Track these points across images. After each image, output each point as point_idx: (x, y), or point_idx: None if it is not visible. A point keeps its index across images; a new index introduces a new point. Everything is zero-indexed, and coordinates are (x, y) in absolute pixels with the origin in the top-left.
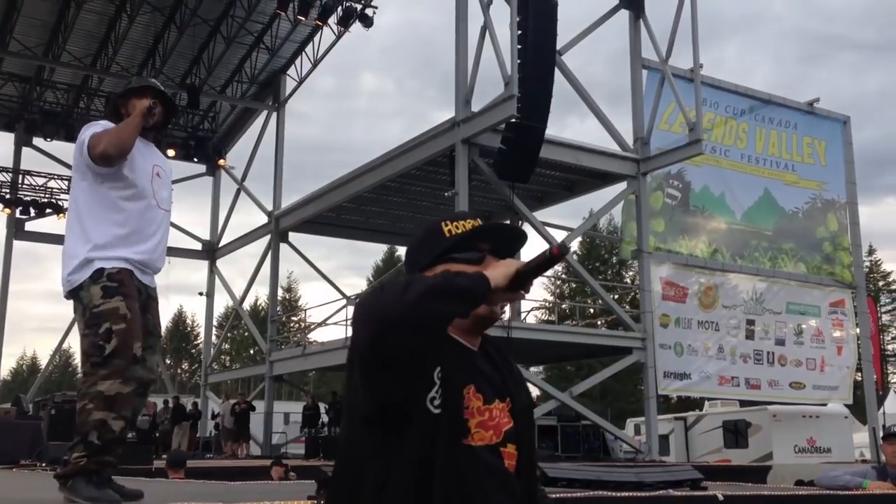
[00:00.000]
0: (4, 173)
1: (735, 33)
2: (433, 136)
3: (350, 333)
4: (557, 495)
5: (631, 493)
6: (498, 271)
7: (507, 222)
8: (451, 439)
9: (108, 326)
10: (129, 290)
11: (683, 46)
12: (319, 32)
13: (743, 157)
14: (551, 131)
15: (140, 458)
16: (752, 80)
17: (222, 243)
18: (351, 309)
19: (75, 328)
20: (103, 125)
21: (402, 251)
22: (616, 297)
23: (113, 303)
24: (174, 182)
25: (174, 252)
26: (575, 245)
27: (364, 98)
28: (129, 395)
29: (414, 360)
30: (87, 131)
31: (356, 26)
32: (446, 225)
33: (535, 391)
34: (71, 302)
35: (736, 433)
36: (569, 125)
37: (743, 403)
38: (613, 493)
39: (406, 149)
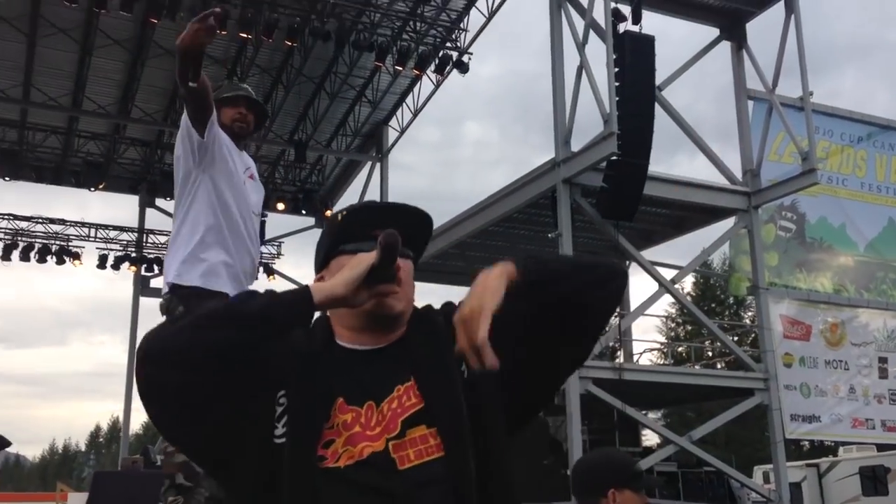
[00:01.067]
0: (130, 233)
1: (848, 61)
2: (534, 178)
3: None
4: None
5: None
6: (338, 277)
7: (403, 203)
8: (297, 467)
9: None
10: None
11: (791, 76)
12: (419, 83)
13: (863, 186)
14: (659, 169)
15: None
16: (871, 107)
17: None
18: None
19: None
20: None
21: None
22: (735, 337)
23: None
24: (284, 236)
25: None
26: (688, 286)
27: (468, 147)
28: None
29: (200, 399)
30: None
31: (456, 76)
32: (341, 213)
33: (653, 437)
34: None
35: (875, 480)
36: (677, 164)
37: (880, 448)
38: None
39: (507, 192)
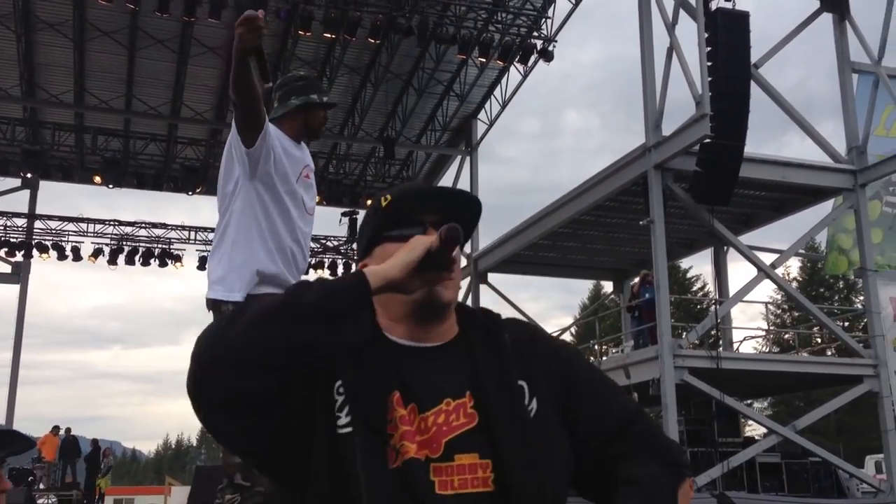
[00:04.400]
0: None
1: None
2: (624, 165)
3: None
4: None
5: None
6: (394, 260)
7: (452, 187)
8: (373, 459)
9: None
10: None
11: None
12: (507, 74)
13: None
14: (769, 150)
15: None
16: None
17: None
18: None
19: None
20: None
21: (607, 287)
22: (846, 322)
23: None
24: None
25: None
26: (794, 270)
27: (569, 137)
28: None
29: (259, 400)
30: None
31: (554, 65)
32: (386, 198)
33: (758, 428)
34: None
35: None
36: (786, 144)
37: None
38: None
39: (598, 180)
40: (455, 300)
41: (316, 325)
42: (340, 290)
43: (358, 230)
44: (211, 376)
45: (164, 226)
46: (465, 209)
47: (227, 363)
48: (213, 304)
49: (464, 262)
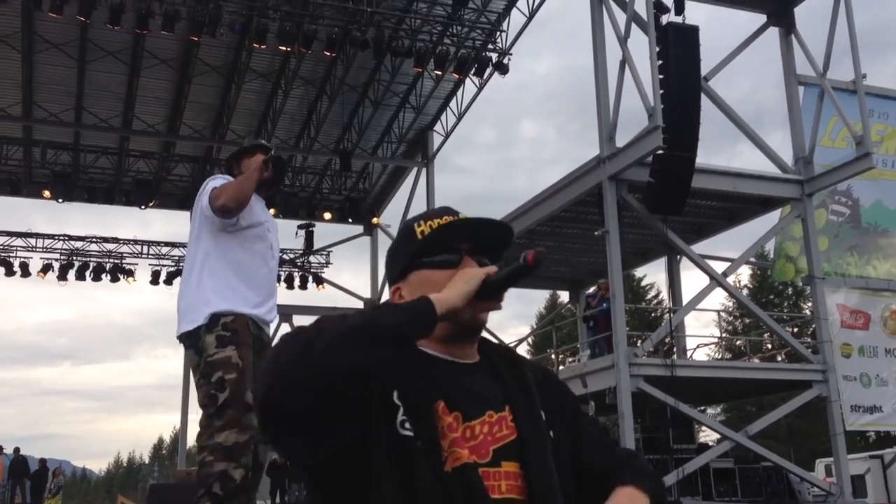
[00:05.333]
0: (181, 248)
1: None
2: (579, 176)
3: None
4: None
5: None
6: (454, 290)
7: (486, 217)
8: (434, 461)
9: (220, 375)
10: (243, 339)
11: (845, 60)
12: (462, 87)
13: None
14: (721, 160)
15: None
16: None
17: (383, 299)
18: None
19: None
20: (223, 178)
21: (563, 297)
22: (795, 329)
23: (226, 352)
24: (332, 245)
25: (338, 312)
26: (744, 278)
27: (525, 146)
28: (247, 443)
29: (329, 417)
30: (209, 184)
31: (510, 76)
32: (419, 225)
33: (711, 434)
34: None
35: None
36: (738, 153)
37: None
38: None
39: (553, 191)
40: None
41: (392, 348)
42: (414, 318)
43: (387, 255)
44: (289, 397)
45: (115, 240)
46: (497, 236)
47: (309, 385)
48: (184, 336)
49: None
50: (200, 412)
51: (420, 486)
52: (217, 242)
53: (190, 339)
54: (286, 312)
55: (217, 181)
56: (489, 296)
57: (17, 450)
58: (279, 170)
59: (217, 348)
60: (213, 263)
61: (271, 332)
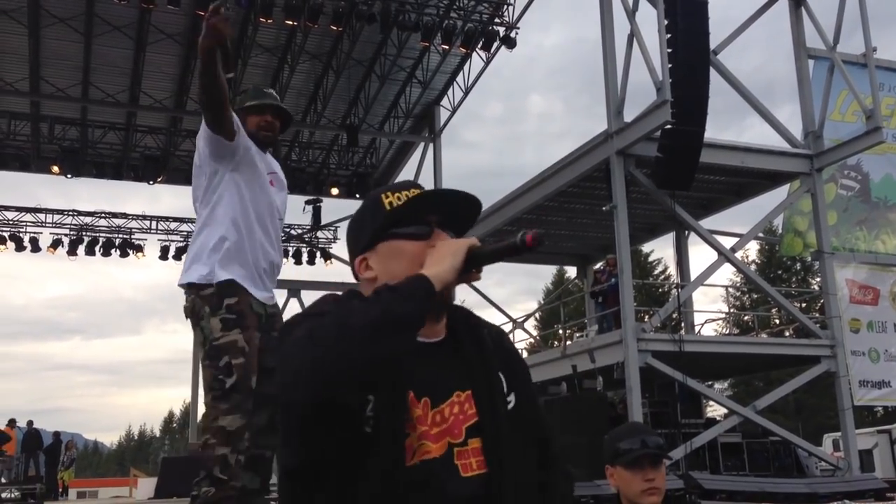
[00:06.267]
0: (190, 223)
1: None
2: (587, 151)
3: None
4: None
5: None
6: (444, 264)
7: (456, 189)
8: (391, 463)
9: (227, 360)
10: (248, 322)
11: (857, 32)
12: (468, 61)
13: None
14: (730, 134)
15: None
16: None
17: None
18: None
19: None
20: None
21: (571, 272)
22: (803, 304)
23: (232, 335)
24: (339, 220)
25: (346, 287)
26: (752, 253)
27: (533, 120)
28: (244, 428)
29: (356, 406)
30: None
31: (518, 49)
32: (387, 196)
33: (718, 409)
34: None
35: None
36: (748, 127)
37: None
38: None
39: (561, 166)
40: None
41: (411, 334)
42: (424, 298)
43: (349, 226)
44: (338, 391)
45: (124, 215)
46: (466, 209)
47: (349, 384)
48: (186, 287)
49: None
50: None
51: (374, 483)
52: (221, 188)
53: (190, 290)
54: (294, 288)
55: None
56: (471, 268)
57: (30, 423)
58: (284, 123)
59: (222, 332)
60: (216, 213)
61: (280, 305)
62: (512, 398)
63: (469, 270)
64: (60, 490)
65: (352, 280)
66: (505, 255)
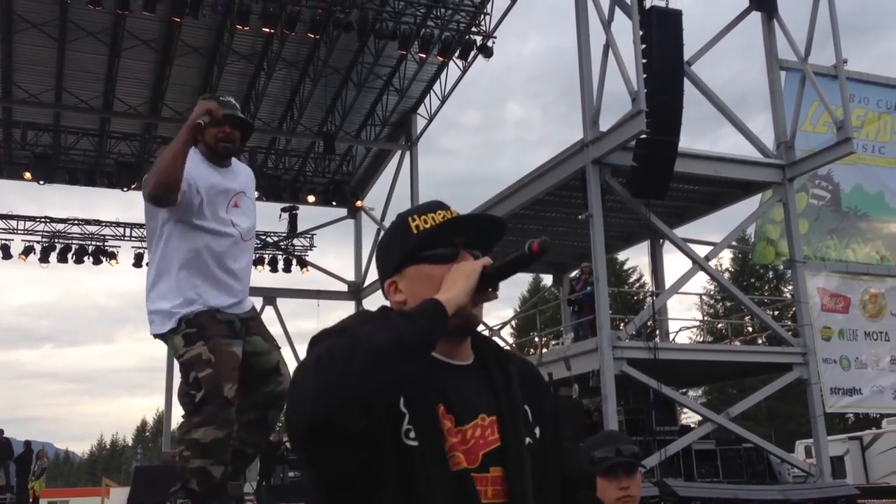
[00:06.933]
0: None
1: None
2: (563, 160)
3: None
4: None
5: None
6: (457, 287)
7: (483, 213)
8: (438, 469)
9: (194, 375)
10: (211, 332)
11: (828, 44)
12: (445, 69)
13: None
14: (705, 143)
15: None
16: None
17: (367, 283)
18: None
19: None
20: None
21: (546, 280)
22: (776, 312)
23: (195, 349)
24: (316, 228)
25: (322, 295)
26: (726, 261)
27: (511, 128)
28: (226, 439)
29: (359, 432)
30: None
31: (496, 58)
32: (413, 220)
33: (692, 416)
34: None
35: None
36: (723, 136)
37: None
38: None
39: (537, 175)
40: None
41: (419, 359)
42: (432, 324)
43: (379, 249)
44: (346, 414)
45: (97, 222)
46: (491, 231)
47: (350, 408)
48: (160, 337)
49: None
50: None
51: (423, 490)
52: (172, 231)
53: (164, 338)
54: (270, 296)
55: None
56: (486, 287)
57: (0, 432)
58: (245, 133)
59: (185, 347)
60: (171, 259)
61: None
62: (537, 431)
63: (485, 289)
64: (31, 500)
65: (327, 288)
66: (515, 267)
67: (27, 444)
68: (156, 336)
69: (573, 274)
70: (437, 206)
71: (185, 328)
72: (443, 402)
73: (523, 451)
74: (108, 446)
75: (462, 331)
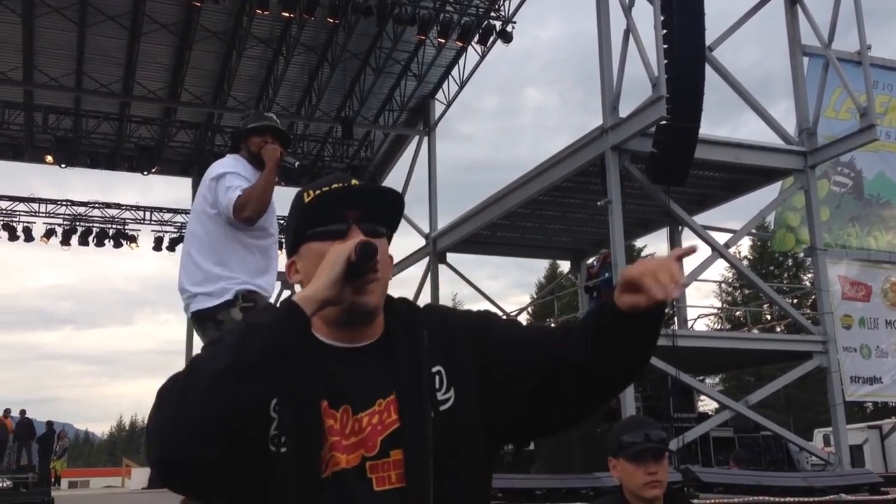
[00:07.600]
0: (184, 214)
1: None
2: (582, 146)
3: None
4: (713, 502)
5: (799, 499)
6: (319, 281)
7: (371, 184)
8: (305, 476)
9: None
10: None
11: (850, 29)
12: (464, 55)
13: None
14: (726, 130)
15: None
16: None
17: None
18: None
19: None
20: (226, 165)
21: (563, 266)
22: (795, 300)
23: None
24: None
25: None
26: (745, 249)
27: (529, 114)
28: None
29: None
30: (223, 180)
31: (514, 43)
32: (308, 195)
33: (710, 404)
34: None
35: None
36: (744, 122)
37: None
38: (779, 499)
39: (556, 161)
40: (381, 301)
41: (265, 373)
42: (280, 329)
43: (284, 226)
44: (182, 456)
45: (118, 206)
46: (386, 205)
47: (196, 442)
48: (203, 314)
49: (422, 241)
50: None
51: (279, 502)
52: (228, 230)
53: (204, 316)
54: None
55: (229, 178)
56: (362, 272)
57: (23, 412)
58: (284, 145)
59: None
60: (215, 245)
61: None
62: (451, 394)
63: (361, 275)
64: (53, 480)
65: None
66: (364, 264)
67: (49, 424)
68: (197, 313)
69: (590, 260)
70: (334, 179)
71: (241, 302)
72: (330, 396)
73: (422, 428)
74: (127, 427)
75: (352, 318)
